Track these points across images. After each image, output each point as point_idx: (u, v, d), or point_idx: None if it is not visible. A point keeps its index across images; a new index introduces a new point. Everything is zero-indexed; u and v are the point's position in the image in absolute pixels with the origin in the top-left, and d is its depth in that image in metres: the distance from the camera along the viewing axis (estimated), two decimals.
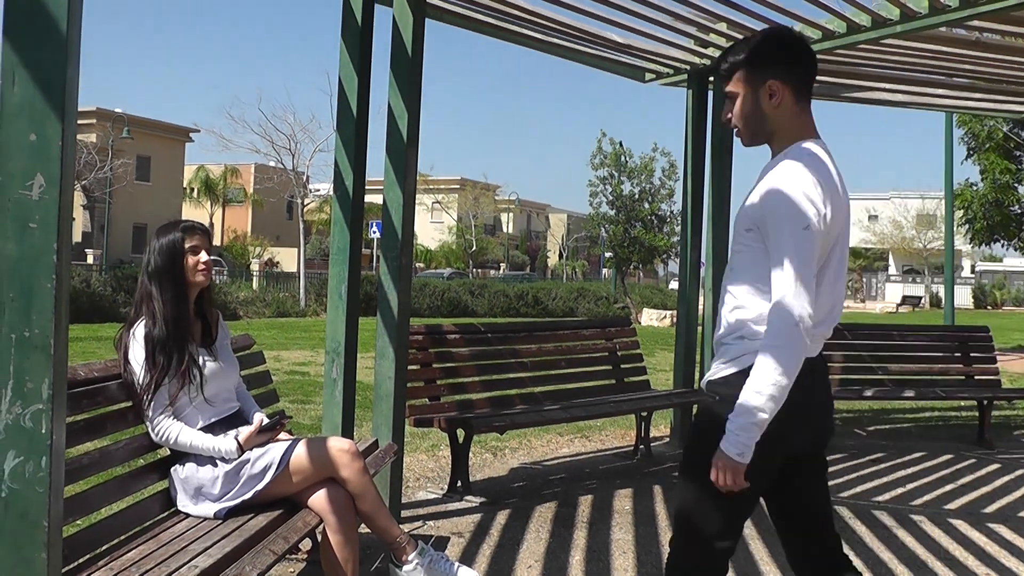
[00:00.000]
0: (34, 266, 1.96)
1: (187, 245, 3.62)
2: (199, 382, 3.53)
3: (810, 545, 2.82)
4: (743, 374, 2.52)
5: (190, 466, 3.48)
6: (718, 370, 2.65)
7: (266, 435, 3.60)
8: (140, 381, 3.44)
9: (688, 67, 7.71)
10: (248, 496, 3.45)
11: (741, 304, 2.62)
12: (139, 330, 3.48)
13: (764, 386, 2.44)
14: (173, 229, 3.65)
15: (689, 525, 2.71)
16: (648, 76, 8.14)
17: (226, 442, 3.46)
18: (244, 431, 3.55)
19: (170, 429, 3.46)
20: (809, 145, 2.65)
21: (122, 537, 3.19)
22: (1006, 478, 6.98)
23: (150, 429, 3.47)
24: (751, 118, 2.70)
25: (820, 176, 2.56)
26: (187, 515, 3.46)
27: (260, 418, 3.66)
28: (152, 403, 3.44)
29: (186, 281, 3.61)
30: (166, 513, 3.50)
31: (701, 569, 2.71)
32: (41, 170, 1.95)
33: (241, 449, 3.46)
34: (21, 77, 1.98)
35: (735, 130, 2.77)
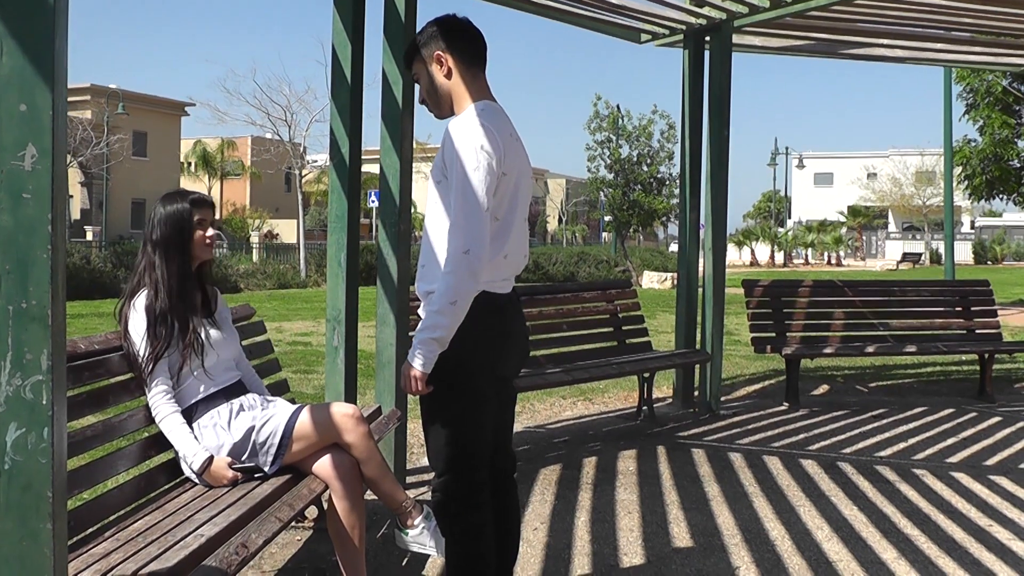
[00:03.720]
0: (29, 237, 1.94)
1: (195, 218, 3.60)
2: (200, 353, 3.53)
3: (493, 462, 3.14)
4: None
5: (196, 435, 3.48)
6: None
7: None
8: (140, 353, 3.43)
9: (684, 27, 7.65)
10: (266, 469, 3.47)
11: (439, 253, 2.91)
12: (140, 301, 3.47)
13: (438, 307, 2.80)
14: (180, 200, 3.62)
15: (445, 459, 3.01)
16: (644, 37, 8.08)
17: (199, 453, 3.41)
18: (221, 465, 3.43)
19: (160, 409, 3.43)
20: (481, 103, 2.96)
21: (129, 508, 3.21)
22: (1007, 431, 7.01)
23: (148, 400, 3.47)
24: (431, 91, 3.02)
25: (492, 126, 2.86)
26: (195, 483, 3.47)
27: (234, 475, 3.46)
28: (151, 375, 3.43)
29: (192, 254, 3.60)
30: (173, 483, 3.51)
31: (461, 497, 3.01)
32: (33, 140, 1.93)
33: (206, 467, 3.41)
34: (9, 47, 1.96)
35: (425, 106, 3.09)
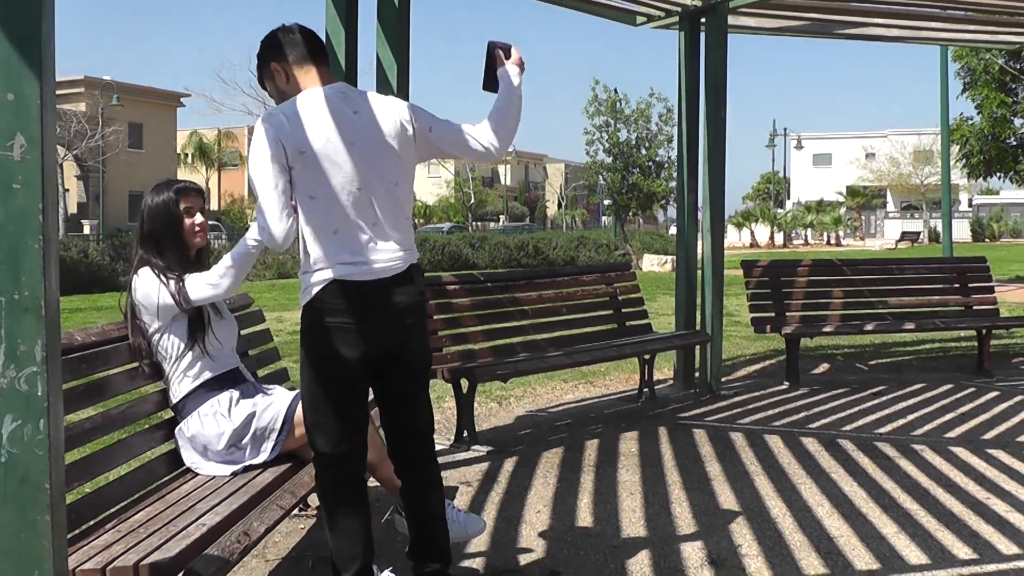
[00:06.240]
0: (20, 227, 1.94)
1: (182, 207, 3.60)
2: (203, 340, 3.54)
3: (397, 443, 3.30)
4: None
5: (195, 424, 3.48)
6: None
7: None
8: (159, 308, 3.47)
9: (679, 8, 7.62)
10: (257, 461, 3.47)
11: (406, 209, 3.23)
12: (145, 271, 3.50)
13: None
14: (166, 190, 3.62)
15: (310, 434, 3.15)
16: (639, 19, 8.05)
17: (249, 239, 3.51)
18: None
19: (199, 292, 3.51)
20: (299, 96, 3.08)
21: (130, 499, 3.21)
22: (1005, 405, 7.02)
23: (167, 353, 3.51)
24: (276, 98, 3.20)
25: (275, 119, 2.99)
26: (196, 474, 3.47)
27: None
28: (166, 337, 3.49)
29: (185, 243, 3.60)
30: (174, 473, 3.51)
31: (322, 471, 3.15)
32: (21, 130, 1.92)
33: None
34: None
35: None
